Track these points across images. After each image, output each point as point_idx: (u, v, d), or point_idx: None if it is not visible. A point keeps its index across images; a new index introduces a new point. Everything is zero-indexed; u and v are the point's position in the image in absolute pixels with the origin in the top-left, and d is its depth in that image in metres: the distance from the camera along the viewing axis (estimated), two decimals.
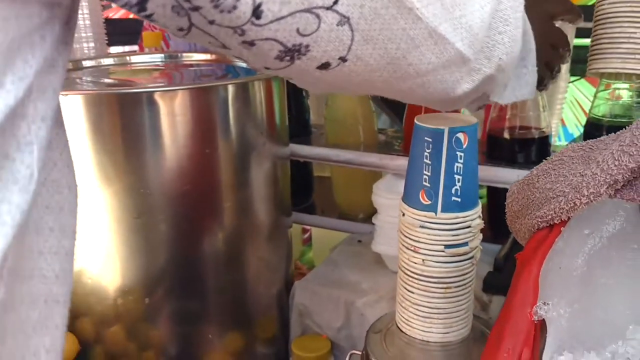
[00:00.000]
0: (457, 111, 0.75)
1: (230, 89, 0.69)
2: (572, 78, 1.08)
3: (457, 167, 0.56)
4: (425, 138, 0.56)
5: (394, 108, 1.22)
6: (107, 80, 0.83)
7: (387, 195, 0.79)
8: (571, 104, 1.31)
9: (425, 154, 0.56)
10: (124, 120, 0.64)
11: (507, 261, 0.71)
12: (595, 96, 0.78)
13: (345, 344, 0.78)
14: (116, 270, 0.71)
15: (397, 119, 1.25)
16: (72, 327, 0.75)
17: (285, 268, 0.84)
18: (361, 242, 0.93)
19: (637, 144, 0.34)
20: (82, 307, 0.74)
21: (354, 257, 0.89)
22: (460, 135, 0.55)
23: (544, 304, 0.36)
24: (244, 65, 0.88)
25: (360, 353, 0.65)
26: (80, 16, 1.02)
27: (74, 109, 0.63)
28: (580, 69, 1.11)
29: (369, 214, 0.99)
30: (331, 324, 0.79)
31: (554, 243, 0.38)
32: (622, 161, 0.34)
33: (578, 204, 0.36)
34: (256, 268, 0.79)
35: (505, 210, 0.48)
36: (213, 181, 0.70)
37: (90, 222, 0.69)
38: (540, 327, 0.36)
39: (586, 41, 1.01)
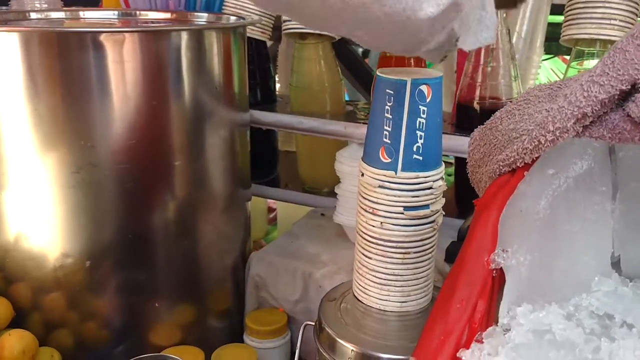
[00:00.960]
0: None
1: (184, 36, 0.64)
2: (546, 56, 1.05)
3: (420, 122, 0.52)
4: (387, 90, 0.52)
5: (365, 81, 1.18)
6: None
7: (350, 163, 0.75)
8: None
9: (387, 107, 0.52)
10: (66, 63, 0.58)
11: None
12: (568, 66, 0.75)
13: (302, 317, 0.74)
14: (55, 233, 0.66)
15: (367, 93, 1.22)
16: (7, 292, 0.70)
17: (242, 240, 0.80)
18: (324, 215, 0.89)
19: (608, 73, 0.31)
20: (18, 272, 0.69)
21: (316, 229, 0.85)
22: (424, 88, 0.51)
23: (503, 251, 0.32)
24: (202, 23, 0.83)
25: (314, 324, 0.61)
26: None
27: (9, 48, 0.58)
28: (555, 46, 1.08)
29: (334, 187, 0.95)
30: (288, 296, 0.75)
31: (517, 188, 0.34)
32: (592, 92, 0.31)
33: (543, 142, 0.33)
34: (210, 238, 0.75)
35: (467, 161, 0.44)
36: (162, 138, 0.65)
37: (25, 179, 0.64)
38: (498, 277, 0.33)
39: (561, 18, 0.98)
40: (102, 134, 0.62)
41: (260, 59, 0.93)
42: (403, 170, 0.53)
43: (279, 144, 1.08)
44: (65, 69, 0.59)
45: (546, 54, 1.03)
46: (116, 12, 0.85)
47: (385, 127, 0.53)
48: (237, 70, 0.73)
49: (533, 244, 0.32)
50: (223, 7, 0.90)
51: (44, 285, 0.68)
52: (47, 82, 0.59)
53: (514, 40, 0.90)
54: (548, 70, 1.27)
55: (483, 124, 0.42)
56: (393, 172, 0.53)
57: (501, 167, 0.36)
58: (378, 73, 0.54)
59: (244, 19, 0.78)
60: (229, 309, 0.80)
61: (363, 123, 0.82)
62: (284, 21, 0.86)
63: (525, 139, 0.34)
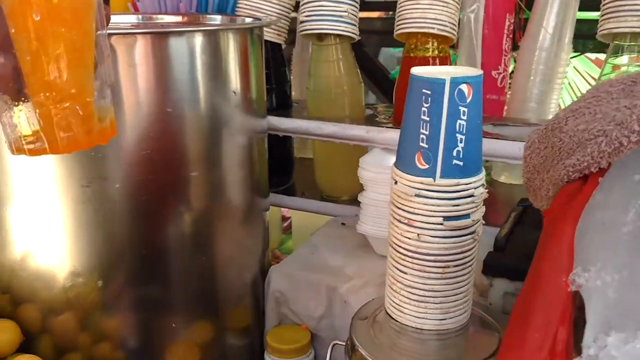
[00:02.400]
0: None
1: (199, 37, 0.60)
2: (573, 54, 1.00)
3: (460, 124, 0.48)
4: (423, 90, 0.48)
5: (381, 84, 1.14)
6: None
7: (374, 170, 0.71)
8: (568, 87, 1.24)
9: (423, 109, 0.48)
10: None
11: (508, 241, 0.63)
12: (605, 62, 0.71)
13: (326, 334, 0.70)
14: (65, 250, 0.62)
15: (384, 96, 1.18)
16: (15, 315, 0.66)
17: (261, 253, 0.76)
18: (345, 224, 0.85)
19: None
20: (26, 293, 0.65)
21: (337, 240, 0.81)
22: (464, 87, 0.47)
23: (584, 270, 0.28)
24: (216, 24, 0.79)
25: (343, 344, 0.57)
26: None
27: None
28: (581, 44, 1.04)
29: (354, 195, 0.91)
30: (311, 312, 0.71)
31: (591, 197, 0.30)
32: None
33: (625, 143, 0.29)
34: (227, 252, 0.70)
35: (523, 166, 0.40)
36: (177, 147, 0.61)
37: (31, 193, 0.60)
38: (579, 300, 0.28)
39: (590, 14, 0.94)
40: (113, 144, 0.58)
41: (275, 62, 0.89)
42: (442, 177, 0.49)
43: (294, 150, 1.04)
44: None
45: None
46: (126, 16, 0.81)
47: (421, 131, 0.49)
48: (254, 74, 0.69)
49: (621, 261, 0.27)
50: (236, 10, 0.86)
51: (53, 306, 0.64)
52: None
53: (540, 36, 0.86)
54: (572, 68, 1.22)
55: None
56: (431, 179, 0.49)
57: (570, 173, 0.32)
58: (412, 72, 0.49)
59: (260, 20, 0.74)
60: (249, 326, 0.75)
61: (386, 127, 0.78)
62: (301, 22, 0.82)
63: (601, 141, 0.30)
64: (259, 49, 0.70)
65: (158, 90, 0.59)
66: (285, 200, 0.92)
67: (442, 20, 0.74)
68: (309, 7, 0.80)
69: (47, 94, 0.34)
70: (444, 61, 0.78)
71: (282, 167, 0.97)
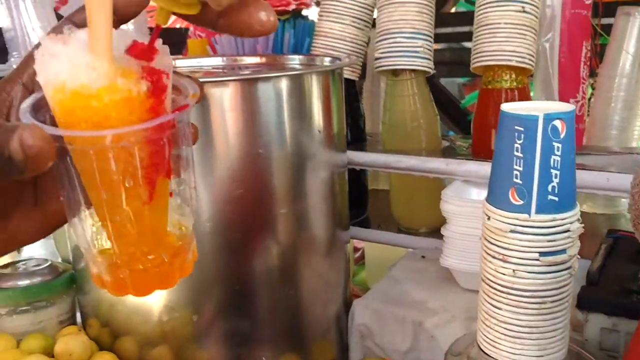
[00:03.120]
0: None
1: (284, 81, 0.63)
2: None
3: (554, 160, 0.48)
4: (516, 127, 0.48)
5: (452, 114, 1.15)
6: None
7: (457, 203, 0.71)
8: None
9: (516, 145, 0.48)
10: None
11: (601, 274, 0.62)
12: None
13: None
14: None
15: (455, 126, 1.18)
16: (114, 347, 0.69)
17: (343, 286, 0.77)
18: (425, 257, 0.85)
19: None
20: (124, 327, 0.68)
21: (418, 273, 0.81)
22: (558, 123, 0.47)
23: None
24: (296, 65, 0.82)
25: None
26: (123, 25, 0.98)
27: None
28: None
29: (432, 228, 0.91)
30: (396, 346, 0.71)
31: None
32: None
33: None
34: (312, 285, 0.72)
35: (631, 202, 0.39)
36: (267, 186, 0.63)
37: None
38: None
39: None
40: (207, 184, 0.61)
41: (350, 97, 0.91)
42: (537, 212, 0.49)
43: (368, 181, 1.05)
44: None
45: None
46: (210, 59, 0.85)
47: (515, 167, 0.49)
48: (336, 111, 0.71)
49: None
50: (311, 49, 0.89)
51: (149, 339, 0.67)
52: None
53: (620, 62, 0.85)
54: None
55: None
56: (526, 215, 0.49)
57: None
58: (503, 109, 0.50)
59: (339, 59, 0.76)
60: None
61: (466, 159, 0.78)
62: (376, 58, 0.84)
63: None
64: (340, 86, 0.72)
65: (248, 133, 0.61)
66: (361, 232, 0.93)
67: (520, 52, 0.75)
68: (384, 44, 0.82)
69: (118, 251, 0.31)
70: (522, 92, 0.77)
71: (357, 200, 0.98)
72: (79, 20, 0.31)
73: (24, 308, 0.70)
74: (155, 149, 0.29)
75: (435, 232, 0.92)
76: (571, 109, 0.49)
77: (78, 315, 0.78)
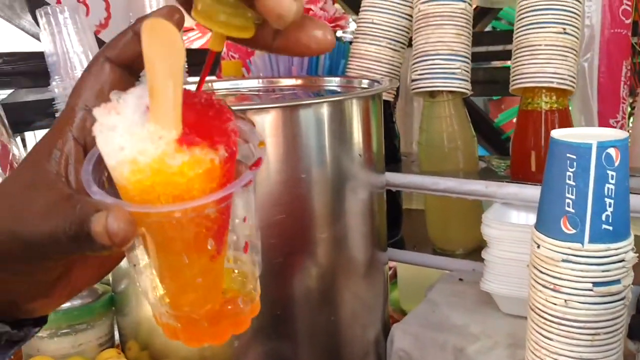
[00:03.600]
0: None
1: (326, 107, 0.63)
2: None
3: (608, 188, 0.47)
4: (568, 155, 0.48)
5: (487, 134, 1.14)
6: None
7: (499, 227, 0.70)
8: None
9: (568, 174, 0.48)
10: None
11: None
12: None
13: None
14: None
15: (490, 146, 1.17)
16: None
17: (382, 309, 0.76)
18: (462, 280, 0.84)
19: None
20: (163, 350, 0.68)
21: (456, 296, 0.80)
22: (612, 151, 0.47)
23: None
24: (333, 87, 0.82)
25: None
26: None
27: None
28: None
29: (468, 249, 0.90)
30: None
31: None
32: None
33: None
34: (352, 308, 0.71)
35: None
36: (308, 210, 0.63)
37: None
38: None
39: None
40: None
41: (385, 118, 0.91)
42: (591, 242, 0.48)
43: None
44: None
45: None
46: (247, 82, 0.85)
47: (567, 195, 0.48)
48: (375, 133, 0.71)
49: None
50: (346, 70, 0.89)
51: None
52: None
53: None
54: None
55: None
56: (579, 245, 0.48)
57: None
58: (554, 136, 0.49)
59: (378, 82, 0.76)
60: None
61: (506, 181, 0.77)
62: (413, 80, 0.83)
63: None
64: (379, 109, 0.72)
65: (290, 158, 0.61)
66: (397, 253, 0.92)
67: (562, 74, 0.74)
68: (421, 66, 0.82)
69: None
70: (563, 114, 0.76)
71: (391, 220, 0.97)
72: (113, 57, 0.31)
73: (65, 331, 0.70)
74: (228, 206, 0.28)
75: (471, 253, 0.91)
76: (625, 136, 0.48)
77: (116, 336, 0.78)
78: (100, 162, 0.28)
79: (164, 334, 0.32)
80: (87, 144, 0.30)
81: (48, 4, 0.97)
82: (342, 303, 0.70)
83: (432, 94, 0.84)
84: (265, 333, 0.66)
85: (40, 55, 0.95)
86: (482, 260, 0.75)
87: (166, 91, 0.26)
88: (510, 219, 0.74)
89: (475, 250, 0.90)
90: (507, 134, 1.19)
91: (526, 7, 0.75)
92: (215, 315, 0.31)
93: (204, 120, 0.27)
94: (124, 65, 0.31)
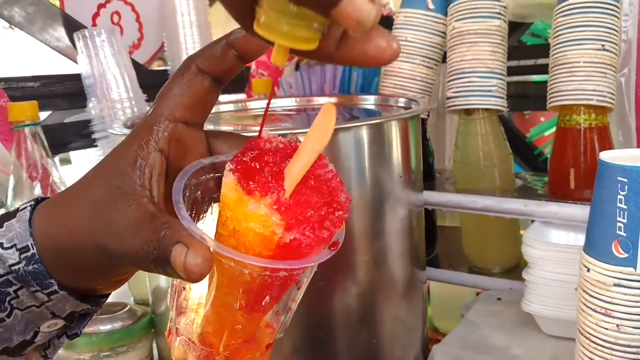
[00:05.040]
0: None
1: (365, 130, 0.63)
2: None
3: None
4: (619, 178, 0.47)
5: (520, 150, 1.12)
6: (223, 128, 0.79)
7: (540, 247, 0.69)
8: None
9: (619, 197, 0.47)
10: None
11: None
12: None
13: None
14: None
15: (523, 162, 1.16)
16: None
17: (422, 329, 0.75)
18: (501, 299, 0.83)
19: None
20: None
21: (495, 317, 0.79)
22: None
23: None
24: (368, 106, 0.82)
25: None
26: None
27: None
28: None
29: (506, 268, 0.89)
30: None
31: None
32: None
33: None
34: (391, 329, 0.71)
35: None
36: (350, 233, 0.63)
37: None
38: None
39: None
40: None
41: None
42: None
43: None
44: None
45: None
46: (283, 100, 0.86)
47: (618, 219, 0.47)
48: (414, 153, 0.70)
49: None
50: (380, 88, 0.89)
51: None
52: None
53: None
54: None
55: None
56: (632, 269, 0.47)
57: None
58: (602, 158, 0.49)
59: (416, 101, 0.76)
60: None
61: (545, 200, 0.76)
62: (448, 98, 0.83)
63: None
64: (417, 128, 0.72)
65: None
66: (434, 272, 0.91)
67: (601, 91, 0.73)
68: (456, 83, 0.82)
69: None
70: (602, 132, 0.75)
71: (426, 238, 0.97)
72: (207, 69, 0.31)
73: (106, 353, 0.71)
74: (299, 275, 0.31)
75: (508, 272, 0.90)
76: None
77: (155, 358, 0.79)
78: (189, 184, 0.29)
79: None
80: (169, 157, 0.30)
81: (85, 27, 0.98)
82: (382, 324, 0.70)
83: (468, 112, 0.83)
84: (306, 356, 0.65)
85: (76, 77, 0.96)
86: (519, 278, 0.74)
87: (301, 164, 0.28)
88: (550, 238, 0.73)
89: (512, 269, 0.89)
90: (539, 149, 1.18)
91: (563, 24, 0.75)
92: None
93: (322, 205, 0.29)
94: (215, 77, 0.31)
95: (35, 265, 0.29)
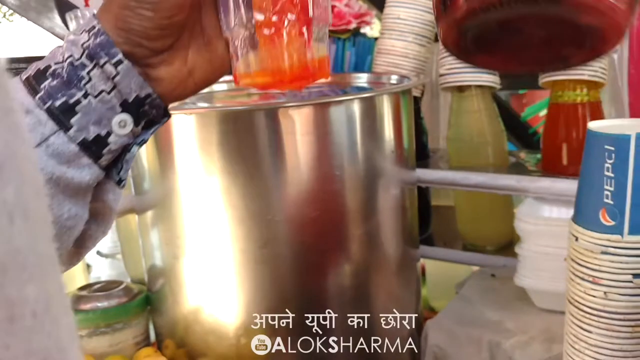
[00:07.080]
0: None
1: (357, 104, 0.63)
2: None
3: None
4: (606, 147, 0.47)
5: (513, 128, 1.12)
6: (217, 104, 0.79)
7: (533, 221, 0.70)
8: None
9: (606, 165, 0.47)
10: (250, 140, 0.59)
11: None
12: None
13: None
14: (239, 306, 0.65)
15: (517, 140, 1.16)
16: None
17: (415, 306, 0.76)
18: (495, 276, 0.83)
19: None
20: (199, 347, 0.69)
21: (489, 292, 0.79)
22: None
23: None
24: (361, 84, 0.82)
25: None
26: None
27: (186, 130, 0.59)
28: None
29: (500, 245, 0.89)
30: None
31: None
32: None
33: None
34: (385, 305, 0.71)
35: None
36: (343, 207, 0.64)
37: (211, 251, 0.64)
38: None
39: None
40: (288, 207, 0.61)
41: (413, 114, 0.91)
42: (631, 233, 0.47)
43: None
44: (250, 145, 0.59)
45: None
46: None
47: (605, 187, 0.48)
48: (406, 129, 0.71)
49: None
50: (373, 66, 0.89)
51: (225, 359, 0.68)
52: (237, 158, 0.59)
53: None
54: None
55: None
56: (619, 236, 0.47)
57: None
58: (591, 128, 0.49)
59: (408, 77, 0.76)
60: None
61: (537, 175, 0.76)
62: (441, 75, 0.83)
63: None
64: (409, 105, 0.72)
65: (323, 156, 0.62)
66: (428, 250, 0.92)
67: (593, 66, 0.73)
68: (449, 60, 0.82)
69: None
70: (595, 107, 0.76)
71: (421, 217, 0.97)
72: None
73: (103, 330, 0.72)
74: None
75: (502, 249, 0.90)
76: None
77: (151, 335, 0.79)
78: None
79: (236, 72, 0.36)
80: None
81: (77, 7, 0.98)
82: (376, 300, 0.70)
83: (461, 89, 0.83)
84: (300, 330, 0.66)
85: None
86: (513, 255, 0.75)
87: None
88: (543, 214, 0.73)
89: (506, 246, 0.89)
90: (533, 128, 1.18)
91: None
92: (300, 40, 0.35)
93: None
94: None
95: (101, 37, 0.33)
